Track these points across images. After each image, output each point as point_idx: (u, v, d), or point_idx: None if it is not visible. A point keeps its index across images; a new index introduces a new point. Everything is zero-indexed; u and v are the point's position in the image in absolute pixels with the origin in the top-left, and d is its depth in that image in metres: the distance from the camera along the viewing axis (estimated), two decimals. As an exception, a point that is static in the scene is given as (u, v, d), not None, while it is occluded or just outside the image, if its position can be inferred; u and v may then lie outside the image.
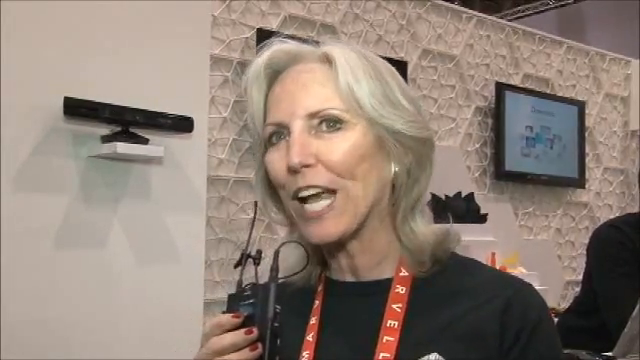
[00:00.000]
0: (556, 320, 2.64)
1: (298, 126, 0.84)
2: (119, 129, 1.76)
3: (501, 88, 3.41)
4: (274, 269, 0.81)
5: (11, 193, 1.61)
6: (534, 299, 0.87)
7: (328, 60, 0.86)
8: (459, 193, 3.12)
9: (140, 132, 1.78)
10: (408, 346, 0.83)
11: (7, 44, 1.60)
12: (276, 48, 0.88)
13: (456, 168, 3.29)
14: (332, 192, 0.83)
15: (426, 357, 0.81)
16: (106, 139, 1.74)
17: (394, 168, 0.87)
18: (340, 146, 0.84)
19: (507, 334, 0.83)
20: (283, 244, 0.86)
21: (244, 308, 0.77)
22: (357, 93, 0.84)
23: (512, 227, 3.54)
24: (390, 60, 2.97)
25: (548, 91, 3.77)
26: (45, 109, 1.64)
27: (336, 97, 0.84)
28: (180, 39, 1.94)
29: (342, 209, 0.84)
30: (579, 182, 3.81)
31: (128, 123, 1.75)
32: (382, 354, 0.83)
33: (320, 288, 0.92)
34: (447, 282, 0.88)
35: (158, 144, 1.81)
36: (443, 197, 3.11)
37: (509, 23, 3.80)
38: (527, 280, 2.89)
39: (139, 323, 1.60)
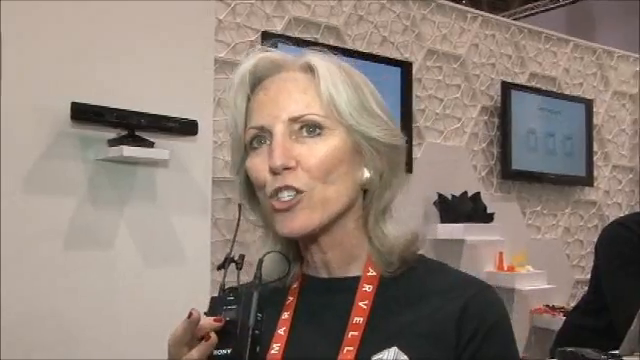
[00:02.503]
0: (564, 319, 2.64)
1: (280, 130, 0.88)
2: (125, 133, 1.78)
3: (507, 87, 3.41)
4: (257, 277, 0.84)
5: (21, 195, 1.64)
6: (492, 301, 0.91)
7: (310, 69, 0.91)
8: (465, 193, 3.13)
9: (146, 135, 1.81)
10: (371, 341, 0.87)
11: (15, 51, 1.63)
12: (261, 56, 0.93)
13: (462, 168, 3.29)
14: (305, 192, 0.87)
15: (385, 351, 0.85)
16: (113, 143, 1.76)
17: (367, 173, 0.92)
18: (320, 150, 0.88)
19: (463, 333, 0.86)
20: (267, 254, 0.91)
21: (227, 313, 0.79)
22: (337, 101, 0.89)
23: (520, 226, 3.54)
24: (395, 61, 2.97)
25: (555, 90, 3.76)
26: (53, 114, 1.67)
27: (317, 104, 0.89)
28: (185, 43, 1.96)
29: (312, 206, 0.88)
30: (587, 180, 3.80)
31: (134, 127, 1.78)
32: (347, 348, 0.87)
33: (295, 285, 0.97)
34: (413, 283, 0.92)
35: (163, 147, 1.83)
36: (450, 197, 3.11)
37: (515, 22, 3.79)
38: (535, 279, 2.89)
39: (145, 323, 1.63)
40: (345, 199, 0.90)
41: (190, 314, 0.78)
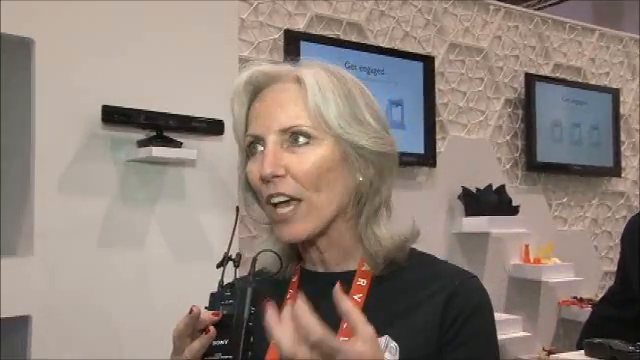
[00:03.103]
0: (591, 310, 2.63)
1: (272, 140, 0.94)
2: (154, 134, 1.83)
3: (531, 79, 3.40)
4: (251, 274, 0.91)
5: (56, 195, 1.70)
6: (473, 289, 0.98)
7: (300, 81, 0.97)
8: (490, 186, 3.13)
9: (174, 136, 1.86)
10: None
11: (47, 58, 1.69)
12: (255, 69, 1.00)
13: (487, 161, 3.29)
14: (298, 200, 0.94)
15: (378, 339, 0.92)
16: (142, 143, 1.81)
17: (358, 178, 0.97)
18: (308, 159, 0.94)
19: (447, 318, 0.94)
20: (260, 252, 0.99)
21: (224, 307, 0.87)
22: (324, 112, 0.94)
23: (546, 218, 3.53)
24: (417, 55, 2.98)
25: (580, 80, 3.73)
26: (84, 117, 1.73)
27: (305, 115, 0.95)
28: (209, 43, 2.00)
29: (306, 215, 0.94)
30: (615, 171, 3.77)
31: (162, 128, 1.83)
32: (342, 338, 0.92)
33: (295, 279, 1.04)
34: (404, 277, 0.99)
35: (191, 147, 1.88)
36: (474, 190, 3.12)
37: (538, 13, 3.77)
38: (562, 271, 2.89)
39: (175, 317, 1.68)
40: (336, 205, 0.96)
41: (191, 310, 0.87)
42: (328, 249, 1.00)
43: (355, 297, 0.96)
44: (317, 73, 0.96)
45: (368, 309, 0.93)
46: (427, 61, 3.06)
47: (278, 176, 0.93)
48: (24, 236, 1.69)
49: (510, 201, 3.15)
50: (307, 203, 0.94)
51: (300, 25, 2.77)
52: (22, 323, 1.65)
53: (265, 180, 0.93)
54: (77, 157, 1.73)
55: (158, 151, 1.78)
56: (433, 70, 3.06)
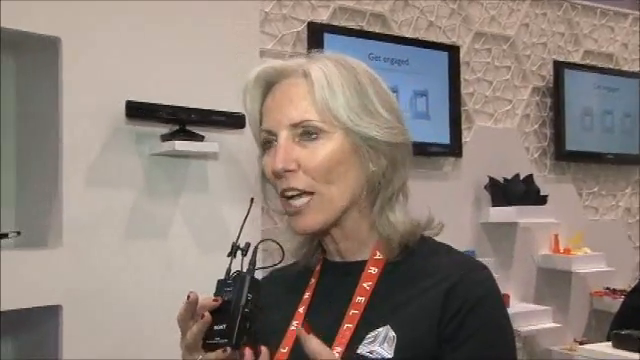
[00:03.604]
0: (622, 300, 2.59)
1: (283, 135, 0.96)
2: (177, 128, 1.87)
3: (560, 66, 3.35)
4: (251, 263, 0.93)
5: (83, 188, 1.76)
6: (480, 280, 0.96)
7: (307, 75, 0.97)
8: (517, 175, 3.10)
9: (196, 130, 1.90)
10: (369, 319, 0.94)
11: (73, 55, 1.75)
12: (266, 65, 1.01)
13: (514, 150, 3.26)
14: (310, 193, 0.96)
15: (380, 328, 0.93)
16: (165, 138, 1.86)
17: (371, 168, 0.98)
18: (319, 153, 0.95)
19: (448, 310, 0.92)
20: (261, 241, 1.00)
21: (226, 294, 0.91)
22: (332, 105, 0.95)
23: (576, 208, 3.48)
24: (442, 45, 2.96)
25: (612, 66, 3.66)
26: (109, 113, 1.78)
27: (313, 110, 0.96)
28: (231, 38, 2.03)
29: (318, 207, 0.96)
30: (648, 159, 3.69)
31: (185, 122, 1.87)
32: (347, 325, 0.95)
33: (317, 268, 1.06)
34: (413, 265, 0.99)
35: (213, 140, 1.92)
36: (501, 180, 3.09)
37: (567, -1, 3.70)
38: (593, 262, 2.84)
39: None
40: (348, 196, 0.97)
41: (188, 296, 0.91)
42: (343, 239, 1.01)
43: (364, 285, 0.97)
44: (325, 66, 0.97)
45: (376, 297, 0.96)
46: (452, 51, 3.04)
47: (290, 170, 0.95)
48: (54, 228, 1.75)
49: (538, 191, 3.11)
50: (319, 196, 0.95)
51: (324, 17, 2.78)
52: (53, 312, 1.71)
53: (278, 175, 0.95)
54: (103, 151, 1.79)
55: (181, 145, 1.82)
56: (458, 60, 3.04)
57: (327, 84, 0.96)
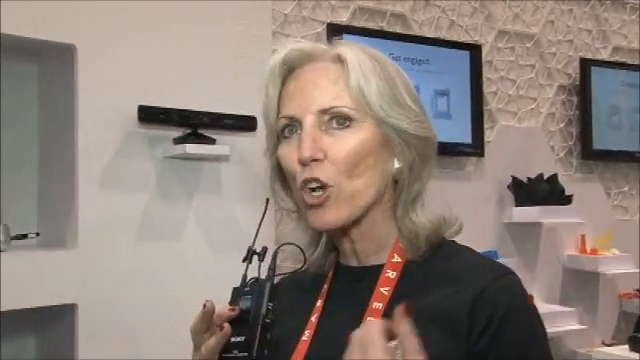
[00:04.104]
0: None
1: (310, 121, 0.89)
2: (189, 131, 1.91)
3: (586, 64, 3.28)
4: (271, 269, 0.89)
5: (97, 191, 1.81)
6: (510, 287, 0.87)
7: (340, 60, 0.91)
8: (541, 175, 3.05)
9: (208, 133, 1.93)
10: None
11: (87, 61, 1.80)
12: (292, 47, 0.95)
13: (539, 149, 3.21)
14: (330, 187, 0.89)
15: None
16: (177, 141, 1.90)
17: (397, 164, 0.92)
18: (348, 143, 0.89)
19: (477, 321, 0.84)
20: (281, 245, 0.95)
21: (243, 302, 0.86)
22: (367, 93, 0.89)
23: (604, 208, 3.40)
24: (463, 44, 2.93)
25: (642, 63, 3.56)
26: (122, 117, 1.83)
27: (346, 96, 0.89)
28: (242, 41, 2.06)
29: (341, 201, 0.89)
30: (681, 157, 3.58)
31: (196, 125, 1.91)
32: None
33: (331, 273, 1.00)
34: (435, 268, 0.91)
35: (224, 143, 1.95)
36: (525, 180, 3.05)
37: (596, -6, 3.62)
38: (622, 263, 2.79)
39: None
40: (373, 191, 0.90)
41: (204, 305, 0.85)
42: (360, 240, 0.95)
43: (382, 290, 0.91)
44: (358, 53, 0.91)
45: (394, 304, 0.86)
46: (474, 50, 3.01)
47: (316, 160, 0.88)
48: (71, 230, 1.81)
49: (562, 190, 3.06)
50: (341, 190, 0.89)
51: (343, 18, 2.79)
52: (69, 310, 1.77)
53: (303, 163, 0.88)
54: (117, 155, 1.84)
55: (192, 148, 1.86)
56: (480, 58, 3.01)
57: (361, 71, 0.90)
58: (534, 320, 0.88)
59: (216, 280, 1.94)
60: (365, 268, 0.96)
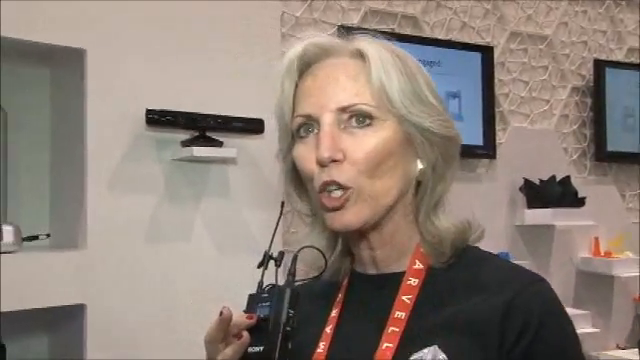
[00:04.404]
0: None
1: (327, 120, 0.84)
2: (197, 134, 1.94)
3: (601, 65, 3.25)
4: (291, 274, 0.84)
5: (106, 194, 1.84)
6: (542, 293, 0.84)
7: (360, 55, 0.87)
8: (553, 177, 3.03)
9: (216, 135, 1.95)
10: (411, 337, 0.83)
11: (96, 66, 1.83)
12: (309, 42, 0.90)
13: (551, 151, 3.19)
14: (349, 189, 0.85)
15: (427, 349, 0.81)
16: (185, 144, 1.92)
17: (420, 165, 0.88)
18: (369, 142, 0.84)
19: (509, 330, 0.80)
20: (301, 249, 0.88)
21: (260, 310, 0.80)
22: (388, 89, 0.84)
23: (618, 210, 3.37)
24: (474, 46, 2.93)
25: (658, 64, 3.52)
26: (129, 120, 1.86)
27: (367, 92, 0.85)
28: (249, 44, 2.07)
29: (361, 202, 0.84)
30: (698, 160, 3.53)
31: (204, 128, 1.93)
32: (386, 344, 0.83)
33: (345, 281, 0.94)
34: (460, 275, 0.87)
35: (231, 146, 1.97)
36: (537, 182, 3.03)
37: (610, -5, 3.59)
38: (636, 265, 2.76)
39: (220, 306, 1.77)
40: (394, 192, 0.86)
41: (221, 312, 0.79)
42: (381, 246, 0.90)
43: (404, 298, 0.86)
44: (378, 48, 0.87)
45: (418, 312, 0.85)
46: (485, 51, 3.00)
47: (336, 161, 0.84)
48: (80, 231, 1.84)
49: (575, 192, 3.04)
50: (362, 191, 0.85)
51: (354, 20, 2.80)
52: (79, 310, 1.80)
53: (322, 165, 0.84)
54: (125, 158, 1.86)
55: (199, 151, 1.88)
56: (492, 60, 3.00)
57: (382, 66, 0.85)
58: (568, 325, 0.86)
59: (224, 281, 1.97)
60: (384, 275, 0.91)
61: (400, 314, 0.85)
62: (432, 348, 0.81)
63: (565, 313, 0.86)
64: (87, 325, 1.79)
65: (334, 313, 0.92)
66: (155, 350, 1.86)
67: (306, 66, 0.90)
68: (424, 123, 0.86)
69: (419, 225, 0.90)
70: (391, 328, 0.84)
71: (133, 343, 1.82)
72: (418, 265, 0.88)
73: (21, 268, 1.69)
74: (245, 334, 0.79)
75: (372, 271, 0.92)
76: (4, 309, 1.63)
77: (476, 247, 0.92)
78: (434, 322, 0.83)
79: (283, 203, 0.93)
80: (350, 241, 0.94)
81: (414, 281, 0.87)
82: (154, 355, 1.84)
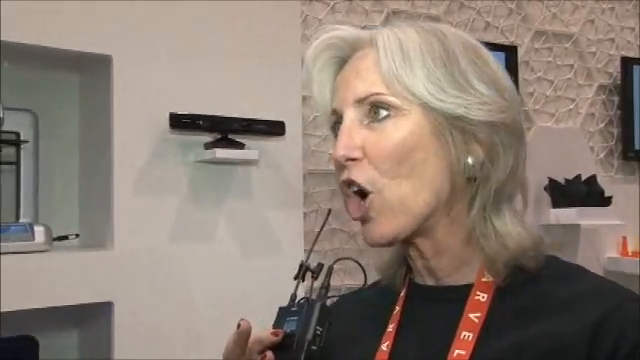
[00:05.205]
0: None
1: (349, 115, 0.79)
2: (219, 136, 1.98)
3: (629, 62, 3.21)
4: (324, 287, 0.78)
5: (131, 196, 1.90)
6: (637, 314, 0.74)
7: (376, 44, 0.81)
8: (579, 176, 3.01)
9: (238, 138, 2.00)
10: None
11: (123, 72, 1.89)
12: (332, 41, 0.84)
13: (577, 150, 3.16)
14: (369, 192, 0.77)
15: None
16: (208, 146, 1.97)
17: (464, 159, 0.77)
18: (388, 137, 0.77)
19: (597, 353, 0.71)
20: (337, 260, 0.83)
21: (288, 324, 0.74)
22: (404, 76, 0.77)
23: (648, 209, 3.32)
24: (498, 46, 2.93)
25: (689, 60, 3.45)
26: (154, 124, 1.91)
27: (381, 81, 0.78)
28: (270, 46, 2.11)
29: (388, 210, 0.76)
30: None
31: (226, 131, 1.97)
32: None
33: (403, 293, 0.86)
34: (538, 292, 0.78)
35: (253, 148, 2.01)
36: (563, 181, 3.01)
37: (639, -9, 3.53)
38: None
39: (243, 306, 1.82)
40: (428, 196, 0.76)
41: (238, 325, 0.74)
42: (435, 256, 0.81)
43: (471, 316, 0.76)
44: (403, 32, 0.80)
45: (488, 334, 0.76)
46: (509, 51, 2.99)
47: (354, 159, 0.77)
48: (107, 232, 1.90)
49: (602, 192, 3.01)
50: (385, 197, 0.76)
51: (377, 22, 2.82)
52: (107, 308, 1.86)
53: (339, 165, 0.78)
54: (150, 160, 1.92)
55: (221, 152, 1.92)
56: (516, 59, 2.99)
57: (399, 50, 0.78)
58: None
59: (246, 281, 2.02)
60: (446, 288, 0.81)
61: (467, 334, 0.75)
62: None
63: None
64: (115, 322, 1.85)
65: (390, 328, 0.83)
66: (178, 348, 1.91)
67: (342, 62, 0.85)
68: (456, 111, 0.76)
69: (477, 230, 0.79)
70: (457, 351, 0.75)
71: (157, 340, 1.88)
72: (487, 278, 0.78)
73: (52, 267, 1.76)
74: (269, 354, 0.73)
75: (431, 282, 0.83)
76: (36, 306, 1.71)
77: (559, 258, 0.83)
78: (508, 346, 0.74)
79: (330, 211, 0.84)
80: (402, 250, 0.85)
81: (483, 296, 0.77)
82: (177, 352, 1.90)
